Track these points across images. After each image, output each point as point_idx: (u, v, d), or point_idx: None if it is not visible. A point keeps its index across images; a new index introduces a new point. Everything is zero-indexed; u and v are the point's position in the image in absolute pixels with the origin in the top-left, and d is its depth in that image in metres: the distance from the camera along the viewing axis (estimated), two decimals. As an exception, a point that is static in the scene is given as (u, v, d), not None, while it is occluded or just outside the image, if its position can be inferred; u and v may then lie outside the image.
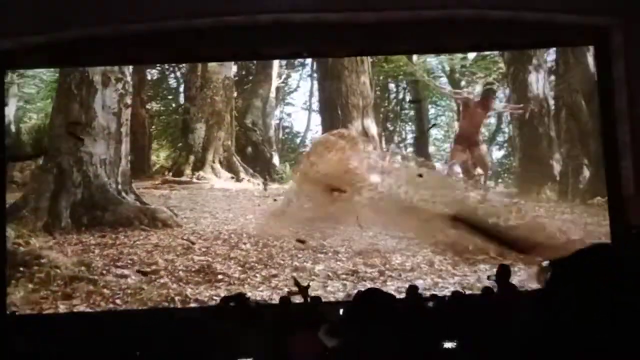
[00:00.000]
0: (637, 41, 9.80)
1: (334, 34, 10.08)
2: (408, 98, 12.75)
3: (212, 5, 9.60)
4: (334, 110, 12.06)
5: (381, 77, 12.68)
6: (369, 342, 2.75)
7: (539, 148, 11.31)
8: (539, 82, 11.57)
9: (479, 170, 11.29)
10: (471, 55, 12.16)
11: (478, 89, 11.86)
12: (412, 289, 7.60)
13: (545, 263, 6.99)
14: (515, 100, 11.66)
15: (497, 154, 12.35)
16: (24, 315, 9.44)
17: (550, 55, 11.80)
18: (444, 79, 12.62)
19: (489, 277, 7.13)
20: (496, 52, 11.90)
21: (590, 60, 10.75)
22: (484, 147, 11.45)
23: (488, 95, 11.43)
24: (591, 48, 10.59)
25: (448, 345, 4.46)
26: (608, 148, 10.39)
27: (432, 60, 12.26)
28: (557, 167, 11.19)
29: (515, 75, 11.70)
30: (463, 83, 12.34)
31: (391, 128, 12.69)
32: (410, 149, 12.29)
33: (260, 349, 5.35)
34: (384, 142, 12.04)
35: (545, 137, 11.35)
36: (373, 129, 11.90)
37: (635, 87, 9.82)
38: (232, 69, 12.60)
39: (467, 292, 8.63)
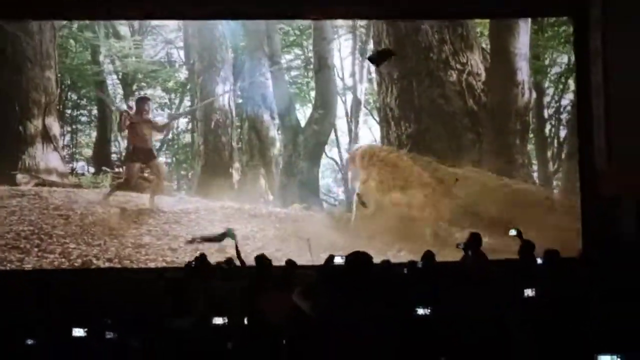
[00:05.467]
0: (614, 14, 9.87)
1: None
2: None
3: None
4: (9, 106, 11.03)
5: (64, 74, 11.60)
6: (342, 306, 2.80)
7: (222, 156, 11.52)
8: (225, 95, 11.75)
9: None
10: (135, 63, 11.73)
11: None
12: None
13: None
14: (202, 110, 11.66)
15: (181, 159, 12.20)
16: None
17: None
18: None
19: (458, 245, 7.03)
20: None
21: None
22: (159, 160, 11.33)
23: (141, 104, 11.16)
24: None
25: (421, 311, 4.52)
26: (582, 121, 10.53)
27: (118, 63, 11.68)
28: (236, 176, 11.50)
29: (203, 86, 11.70)
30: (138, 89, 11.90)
31: (69, 129, 11.72)
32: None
33: (234, 309, 5.40)
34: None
35: (227, 147, 11.62)
36: (55, 129, 11.24)
37: (611, 60, 9.92)
38: None
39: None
